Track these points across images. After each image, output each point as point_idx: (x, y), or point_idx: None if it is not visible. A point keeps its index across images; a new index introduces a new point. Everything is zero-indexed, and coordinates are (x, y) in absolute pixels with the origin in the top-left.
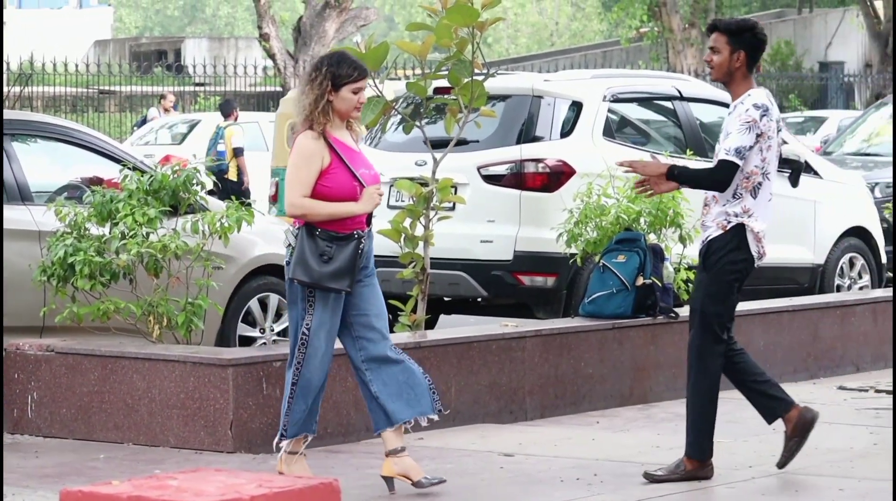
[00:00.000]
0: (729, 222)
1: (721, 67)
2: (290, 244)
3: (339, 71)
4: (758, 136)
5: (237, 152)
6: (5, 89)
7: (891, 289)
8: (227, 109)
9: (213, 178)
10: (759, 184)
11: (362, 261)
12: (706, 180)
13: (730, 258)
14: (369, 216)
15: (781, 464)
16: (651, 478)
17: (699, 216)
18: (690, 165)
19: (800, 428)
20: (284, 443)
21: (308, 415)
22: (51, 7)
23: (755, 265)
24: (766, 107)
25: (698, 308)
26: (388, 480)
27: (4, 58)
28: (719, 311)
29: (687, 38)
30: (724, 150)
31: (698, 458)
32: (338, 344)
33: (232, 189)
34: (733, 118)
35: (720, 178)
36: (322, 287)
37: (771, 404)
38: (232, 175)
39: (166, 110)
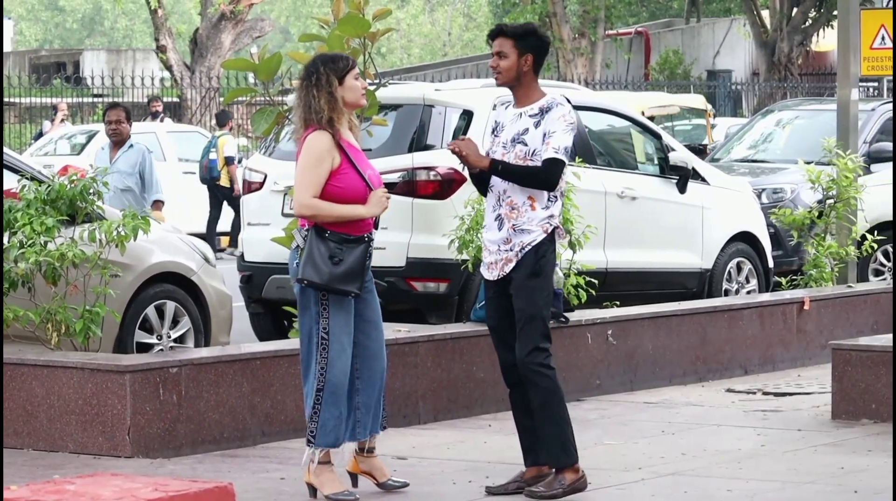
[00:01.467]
0: (551, 226)
1: (510, 71)
2: (297, 246)
3: (337, 65)
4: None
5: (228, 161)
6: None
7: (776, 293)
8: (223, 119)
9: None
10: (561, 190)
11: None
12: (533, 179)
13: (551, 261)
14: (376, 220)
15: (532, 493)
16: (534, 496)
17: (588, 222)
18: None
19: (570, 487)
20: (311, 452)
21: (341, 422)
22: None
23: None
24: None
25: (538, 313)
26: (353, 476)
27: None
28: (549, 313)
29: (577, 47)
30: (552, 149)
31: (571, 464)
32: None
33: (224, 196)
34: (555, 119)
35: (550, 176)
36: (333, 289)
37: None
38: (224, 182)
39: (62, 121)
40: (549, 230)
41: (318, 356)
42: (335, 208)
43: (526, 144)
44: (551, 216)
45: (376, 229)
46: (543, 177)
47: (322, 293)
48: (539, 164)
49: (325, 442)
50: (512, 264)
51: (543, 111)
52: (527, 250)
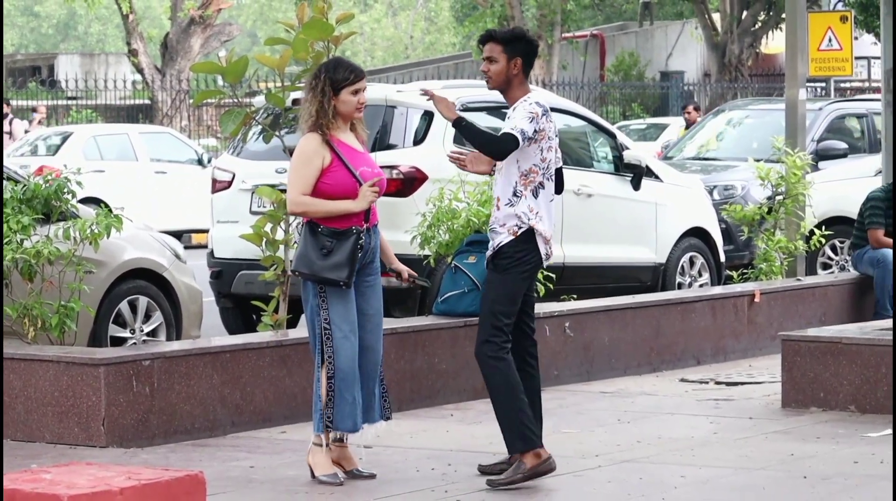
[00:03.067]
0: (520, 228)
1: (499, 76)
2: (296, 241)
3: (336, 76)
4: (537, 131)
5: None
6: None
7: (727, 286)
8: None
9: None
10: (541, 184)
11: (364, 256)
12: (484, 142)
13: (522, 261)
14: (367, 213)
15: (491, 482)
16: (494, 485)
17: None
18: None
19: (531, 472)
20: (318, 437)
21: (356, 406)
22: None
23: (543, 265)
24: (546, 108)
25: (490, 310)
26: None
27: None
28: (508, 311)
29: None
30: (509, 127)
31: (530, 449)
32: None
33: None
34: (518, 111)
35: (499, 146)
36: (320, 278)
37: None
38: None
39: (39, 123)
40: (517, 233)
41: (324, 346)
42: (325, 204)
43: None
44: (518, 216)
45: (366, 221)
46: (492, 144)
47: (319, 286)
48: (513, 159)
49: (344, 427)
50: (487, 259)
51: (515, 108)
52: (495, 250)
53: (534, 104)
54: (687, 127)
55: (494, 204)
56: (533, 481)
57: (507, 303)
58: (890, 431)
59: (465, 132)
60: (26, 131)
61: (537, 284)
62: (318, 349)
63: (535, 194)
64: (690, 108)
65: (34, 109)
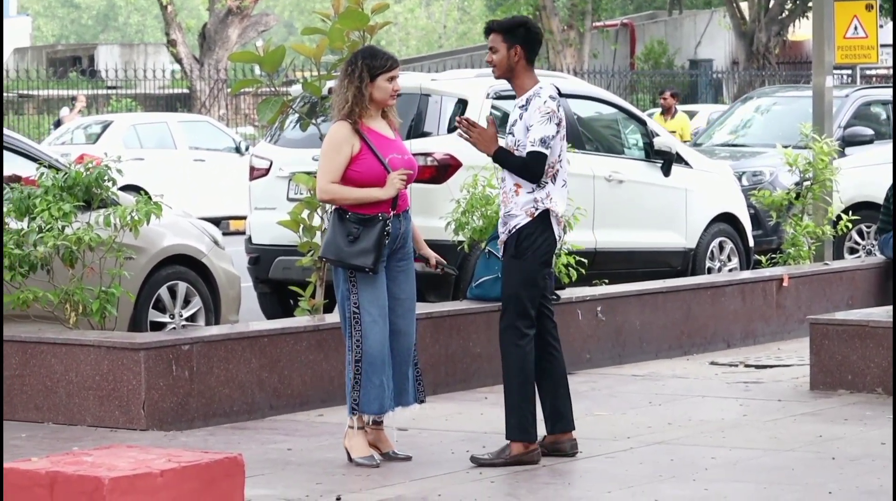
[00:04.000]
0: (536, 209)
1: (501, 65)
2: (326, 228)
3: (374, 62)
4: (557, 125)
5: None
6: None
7: (757, 271)
8: None
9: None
10: (558, 171)
11: (395, 242)
12: (522, 171)
13: (540, 243)
14: (395, 200)
15: (475, 458)
16: (477, 462)
17: (577, 205)
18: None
19: (513, 459)
20: (352, 419)
21: (383, 389)
22: None
23: (557, 246)
24: (557, 96)
25: (514, 293)
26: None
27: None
28: (533, 294)
29: (566, 38)
30: (529, 142)
31: (523, 440)
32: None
33: None
34: (532, 112)
35: (533, 169)
36: (347, 264)
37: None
38: None
39: (80, 112)
40: (534, 214)
41: (353, 330)
42: (353, 191)
43: (513, 135)
44: (536, 201)
45: (394, 209)
46: (527, 170)
47: (350, 271)
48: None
49: (370, 410)
50: (503, 247)
51: (527, 102)
52: (512, 232)
53: (547, 101)
54: (662, 113)
55: (513, 191)
56: (565, 463)
57: (530, 287)
58: None
59: (502, 165)
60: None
61: (570, 269)
62: (348, 333)
63: (555, 180)
64: (667, 93)
65: (74, 98)
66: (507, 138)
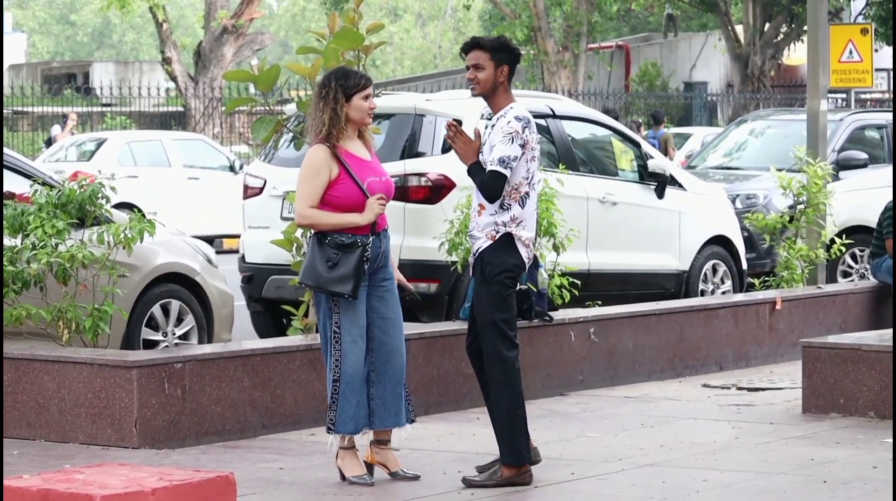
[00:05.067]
0: (497, 232)
1: (487, 83)
2: (304, 253)
3: (348, 82)
4: (521, 146)
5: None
6: None
7: (749, 294)
8: (659, 117)
9: None
10: (527, 194)
11: (375, 262)
12: (481, 189)
13: (504, 266)
14: (374, 224)
15: (466, 480)
16: (468, 483)
17: (571, 226)
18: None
19: (506, 480)
20: (334, 438)
21: (360, 409)
22: None
23: (525, 269)
24: (528, 119)
25: (489, 320)
26: (369, 467)
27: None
28: (507, 317)
29: (561, 60)
30: (489, 162)
31: (516, 464)
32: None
33: None
34: (496, 131)
35: (491, 189)
36: (326, 291)
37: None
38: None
39: (71, 130)
40: (495, 237)
41: (333, 350)
42: (332, 217)
43: (482, 153)
44: (496, 223)
45: (373, 233)
46: (485, 189)
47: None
48: None
49: (344, 429)
50: (472, 269)
51: (497, 120)
52: (476, 255)
53: (512, 121)
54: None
55: (476, 210)
56: (556, 484)
57: (504, 309)
58: None
59: (470, 176)
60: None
61: (563, 290)
62: (328, 353)
63: (522, 204)
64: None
65: (65, 117)
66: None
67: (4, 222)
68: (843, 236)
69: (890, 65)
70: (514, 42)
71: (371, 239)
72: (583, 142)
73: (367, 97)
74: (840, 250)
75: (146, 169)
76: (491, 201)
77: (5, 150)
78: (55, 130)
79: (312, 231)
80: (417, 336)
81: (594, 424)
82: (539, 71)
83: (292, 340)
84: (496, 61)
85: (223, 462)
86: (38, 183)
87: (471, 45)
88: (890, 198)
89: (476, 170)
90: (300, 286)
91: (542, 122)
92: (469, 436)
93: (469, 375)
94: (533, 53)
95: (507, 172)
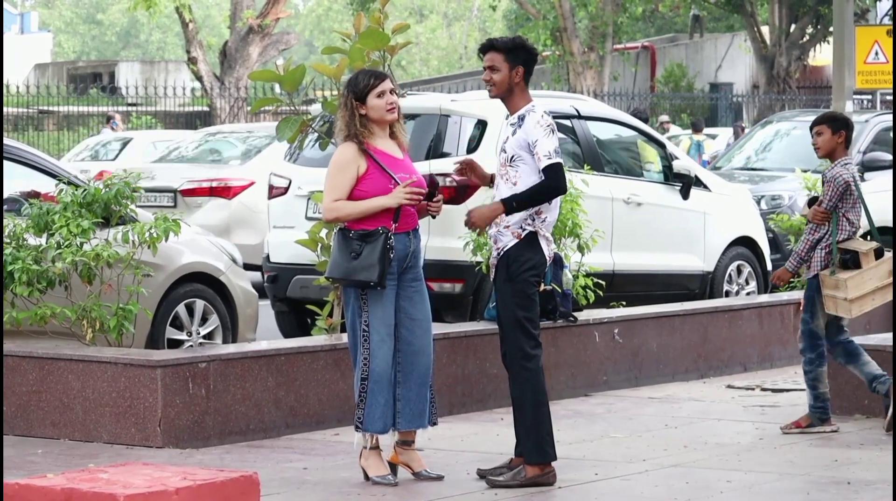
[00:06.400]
0: (523, 230)
1: (502, 84)
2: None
3: (357, 86)
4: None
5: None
6: None
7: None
8: (699, 125)
9: None
10: None
11: (405, 260)
12: (545, 192)
13: (529, 264)
14: (397, 215)
15: (491, 481)
16: (492, 483)
17: (596, 227)
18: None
19: (530, 480)
20: (360, 437)
21: (387, 408)
22: None
23: (547, 266)
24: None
25: (513, 317)
26: (392, 467)
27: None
28: (531, 315)
29: (586, 60)
30: (544, 156)
31: (541, 462)
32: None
33: None
34: (531, 127)
35: (556, 182)
36: (352, 281)
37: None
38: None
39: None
40: (521, 235)
41: (362, 348)
42: (358, 205)
43: (505, 151)
44: (523, 219)
45: (395, 222)
46: (550, 186)
47: (361, 290)
48: (516, 170)
49: (373, 428)
50: (494, 269)
51: (521, 119)
52: (501, 255)
53: (544, 116)
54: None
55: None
56: (581, 485)
57: (528, 308)
58: None
59: (522, 208)
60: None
61: (587, 291)
62: (357, 351)
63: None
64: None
65: (110, 118)
66: (499, 157)
67: (31, 221)
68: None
69: None
70: (534, 42)
71: (393, 228)
72: (608, 143)
73: (381, 94)
74: None
75: None
76: (561, 192)
77: (31, 149)
78: (106, 132)
79: (336, 228)
80: (442, 336)
81: (618, 424)
82: (564, 72)
83: (316, 340)
84: (511, 62)
85: (247, 461)
86: (64, 182)
87: (486, 47)
88: None
89: (512, 202)
90: (327, 284)
91: (567, 122)
92: (493, 437)
93: (493, 375)
94: (558, 54)
95: (561, 160)
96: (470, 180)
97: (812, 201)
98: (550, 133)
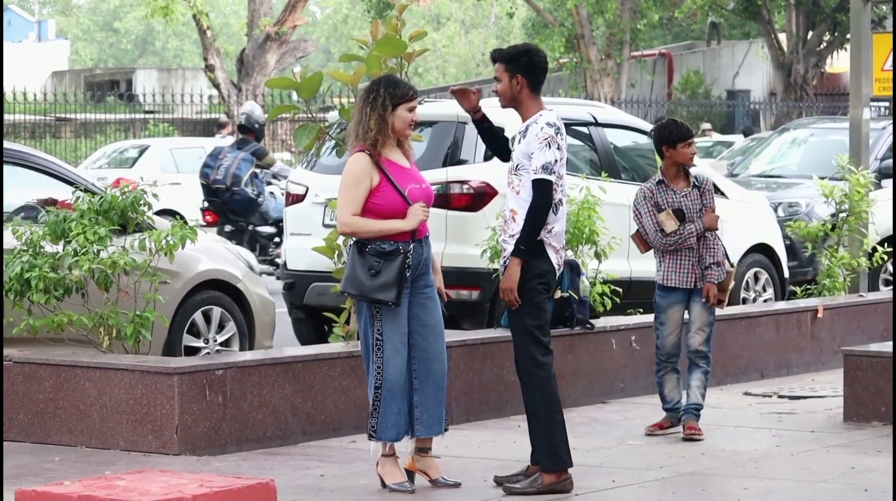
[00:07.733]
0: None
1: (505, 94)
2: (345, 261)
3: (397, 91)
4: (558, 150)
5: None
6: None
7: (791, 302)
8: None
9: None
10: (560, 201)
11: (416, 269)
12: (537, 214)
13: (535, 273)
14: (414, 231)
15: (508, 488)
16: (509, 491)
17: (613, 234)
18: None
19: (546, 488)
20: (375, 446)
21: (401, 417)
22: (12, 41)
23: (556, 275)
24: (559, 126)
25: (522, 326)
26: (410, 474)
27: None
28: (540, 323)
29: (603, 68)
30: (533, 170)
31: (557, 469)
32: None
33: None
34: (530, 139)
35: (542, 200)
36: (369, 299)
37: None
38: None
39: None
40: None
41: (375, 357)
42: (375, 224)
43: (512, 160)
44: None
45: (413, 240)
46: (536, 204)
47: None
48: (519, 178)
49: (386, 437)
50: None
51: (526, 128)
52: (506, 263)
53: (544, 127)
54: None
55: (510, 216)
56: (597, 492)
57: (537, 316)
58: None
59: (530, 242)
60: None
61: (604, 298)
62: (370, 360)
63: (555, 211)
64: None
65: (221, 125)
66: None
67: (47, 229)
68: (885, 245)
69: None
70: (548, 50)
71: (412, 246)
72: (625, 150)
73: (411, 109)
74: (882, 259)
75: (189, 176)
76: (548, 208)
77: (48, 157)
78: (218, 138)
79: (353, 240)
80: (459, 344)
81: (635, 432)
82: (582, 79)
83: (333, 347)
84: (510, 72)
85: (264, 468)
86: (81, 190)
87: (491, 58)
88: None
89: (520, 246)
90: (342, 295)
91: (584, 130)
92: (510, 444)
93: (510, 382)
94: (576, 61)
95: (551, 177)
96: (505, 298)
97: None
98: (546, 147)
